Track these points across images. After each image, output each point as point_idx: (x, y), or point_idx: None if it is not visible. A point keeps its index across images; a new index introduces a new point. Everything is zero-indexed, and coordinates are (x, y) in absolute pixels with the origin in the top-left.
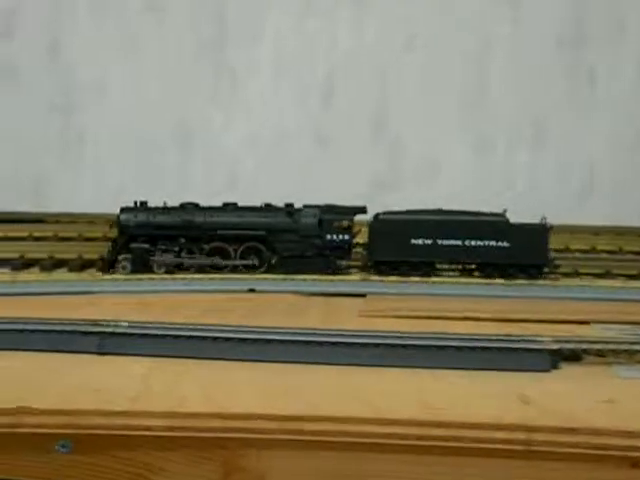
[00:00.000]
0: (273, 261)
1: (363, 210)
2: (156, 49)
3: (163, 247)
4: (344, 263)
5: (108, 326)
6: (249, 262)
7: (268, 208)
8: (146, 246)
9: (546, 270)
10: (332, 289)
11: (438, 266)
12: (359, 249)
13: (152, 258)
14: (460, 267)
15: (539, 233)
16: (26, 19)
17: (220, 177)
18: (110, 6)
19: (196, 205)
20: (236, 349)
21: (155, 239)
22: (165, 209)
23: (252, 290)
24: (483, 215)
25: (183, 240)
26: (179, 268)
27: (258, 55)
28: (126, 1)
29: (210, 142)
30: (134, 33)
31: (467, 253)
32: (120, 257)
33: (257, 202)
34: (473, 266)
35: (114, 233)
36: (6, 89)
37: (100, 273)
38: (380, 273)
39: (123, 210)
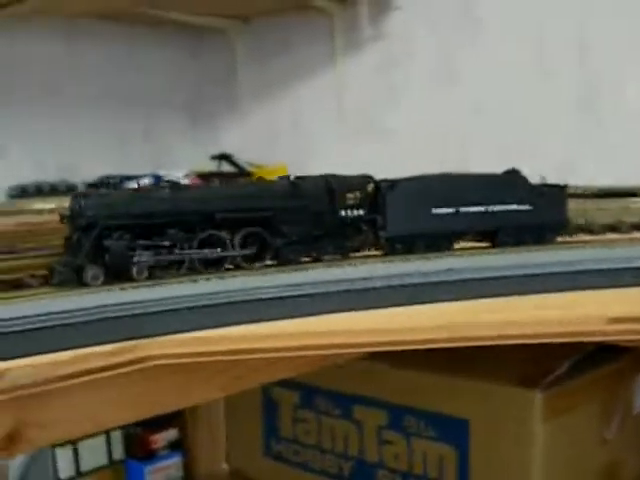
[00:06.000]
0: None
1: (372, 179)
2: None
3: (147, 243)
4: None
5: None
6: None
7: (266, 181)
8: (125, 243)
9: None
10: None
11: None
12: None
13: (134, 259)
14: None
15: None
16: None
17: None
18: None
19: (173, 184)
20: None
21: (132, 233)
22: (136, 192)
23: None
24: (497, 176)
25: (173, 231)
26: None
27: None
28: None
29: None
30: None
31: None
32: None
33: None
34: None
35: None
36: None
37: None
38: (395, 252)
39: (81, 196)
